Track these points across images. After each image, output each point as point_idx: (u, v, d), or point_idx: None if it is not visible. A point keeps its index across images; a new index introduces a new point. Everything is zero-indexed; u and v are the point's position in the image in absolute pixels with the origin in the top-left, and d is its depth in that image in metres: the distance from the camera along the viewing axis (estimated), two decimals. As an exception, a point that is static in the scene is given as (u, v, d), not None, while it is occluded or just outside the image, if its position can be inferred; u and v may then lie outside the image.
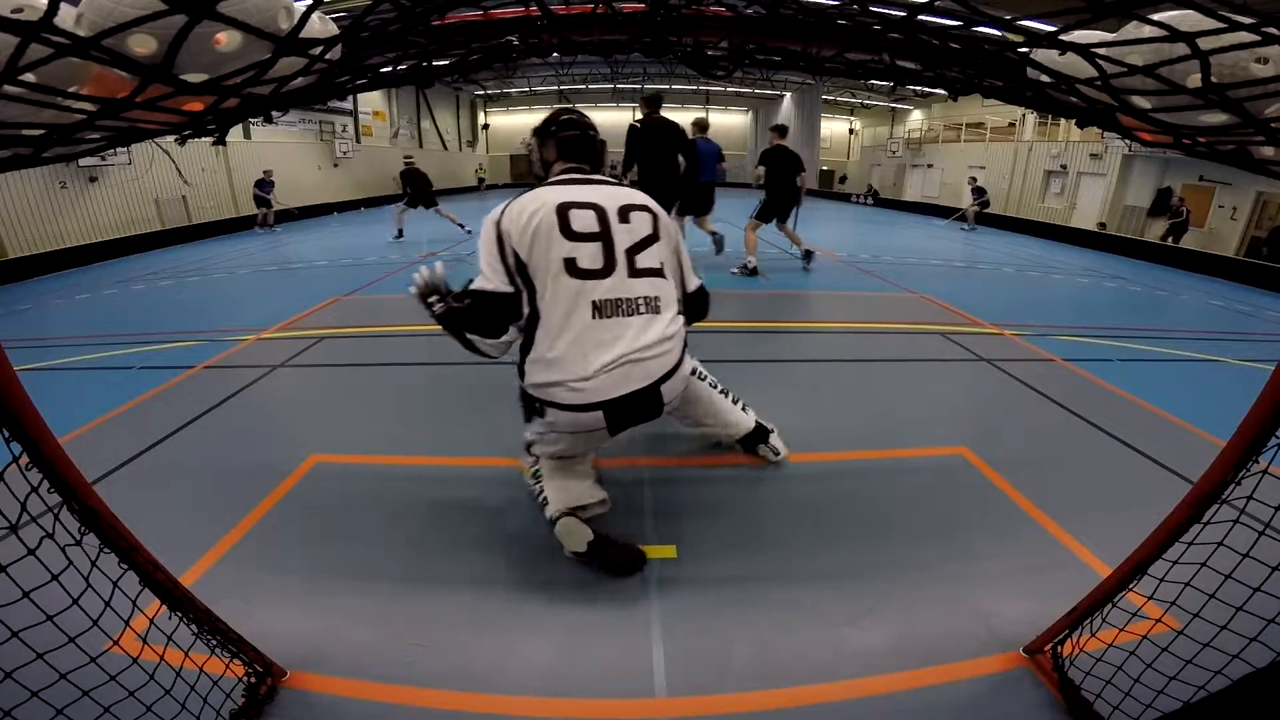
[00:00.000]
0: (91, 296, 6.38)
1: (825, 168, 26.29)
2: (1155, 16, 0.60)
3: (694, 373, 2.23)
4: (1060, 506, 2.16)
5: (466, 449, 2.60)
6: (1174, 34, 0.55)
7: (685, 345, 1.84)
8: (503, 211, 1.72)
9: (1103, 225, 13.34)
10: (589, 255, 1.67)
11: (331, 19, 0.89)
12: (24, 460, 0.90)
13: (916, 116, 23.69)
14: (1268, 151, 0.80)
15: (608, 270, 1.68)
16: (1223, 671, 1.09)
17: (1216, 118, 0.71)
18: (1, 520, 0.82)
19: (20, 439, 0.88)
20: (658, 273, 1.76)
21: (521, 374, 1.75)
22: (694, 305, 1.98)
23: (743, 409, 2.41)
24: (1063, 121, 14.61)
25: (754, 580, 1.78)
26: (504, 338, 1.77)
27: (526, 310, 1.70)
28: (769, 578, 1.79)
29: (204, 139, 1.04)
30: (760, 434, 2.41)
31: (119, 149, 8.15)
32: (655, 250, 1.77)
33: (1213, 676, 1.10)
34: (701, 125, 6.64)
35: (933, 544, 1.96)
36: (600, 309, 1.66)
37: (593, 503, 1.94)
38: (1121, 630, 1.28)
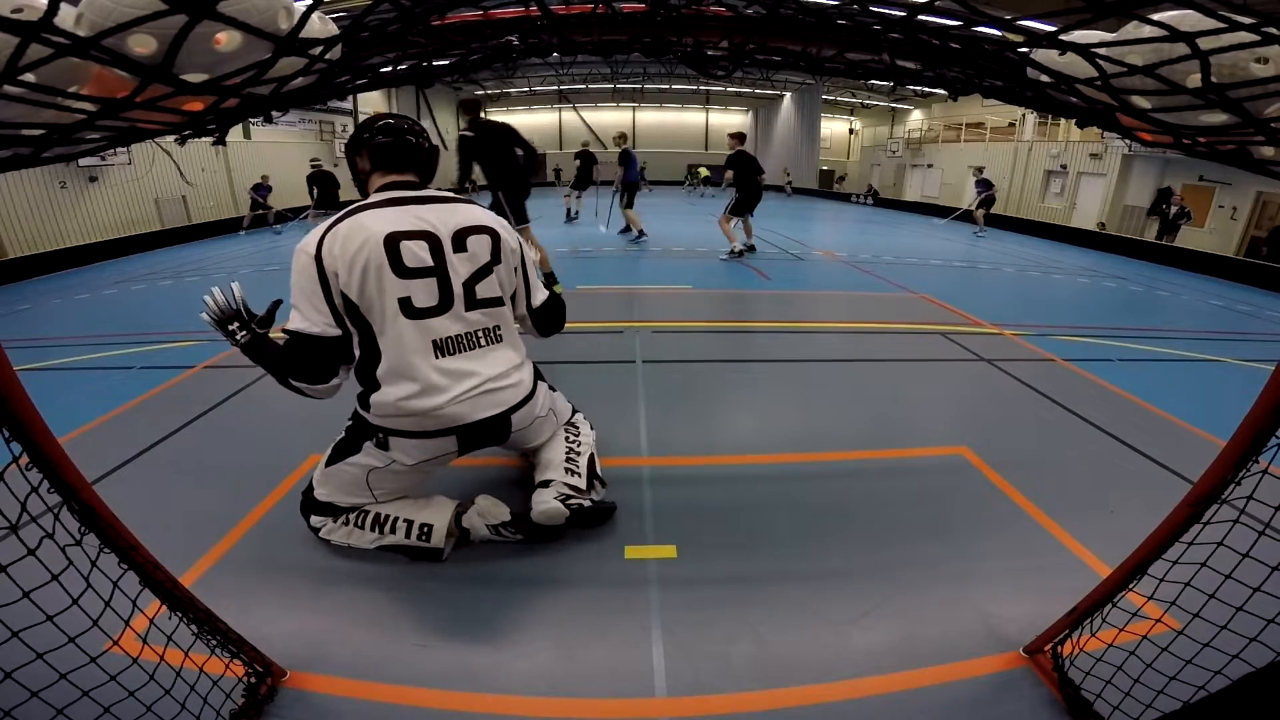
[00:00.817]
0: (91, 296, 6.38)
1: (825, 168, 26.29)
2: (1155, 16, 0.60)
3: (570, 427, 2.13)
4: (1060, 506, 2.16)
5: (466, 449, 2.60)
6: (1174, 34, 0.55)
7: (539, 380, 1.92)
8: (320, 243, 1.52)
9: (1103, 225, 13.34)
10: (424, 292, 1.56)
11: (331, 19, 0.89)
12: (24, 460, 0.90)
13: (916, 116, 23.69)
14: (1268, 151, 0.80)
15: (444, 306, 1.60)
16: (1223, 671, 1.09)
17: (1216, 118, 0.71)
18: (1, 520, 0.82)
19: (20, 439, 0.88)
20: (497, 301, 1.72)
21: (363, 407, 1.68)
22: (544, 317, 1.92)
23: (560, 488, 1.91)
24: (1063, 121, 14.62)
25: (754, 580, 1.78)
26: (333, 381, 1.62)
27: (359, 353, 1.60)
28: (769, 578, 1.79)
29: (204, 139, 1.04)
30: (518, 519, 1.87)
31: (119, 149, 8.15)
32: (494, 277, 1.70)
33: (1213, 676, 1.10)
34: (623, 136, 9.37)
35: (933, 544, 1.96)
36: (442, 348, 1.61)
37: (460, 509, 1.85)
38: (1121, 630, 1.28)
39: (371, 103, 19.37)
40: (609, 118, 28.97)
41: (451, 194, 1.75)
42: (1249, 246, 11.20)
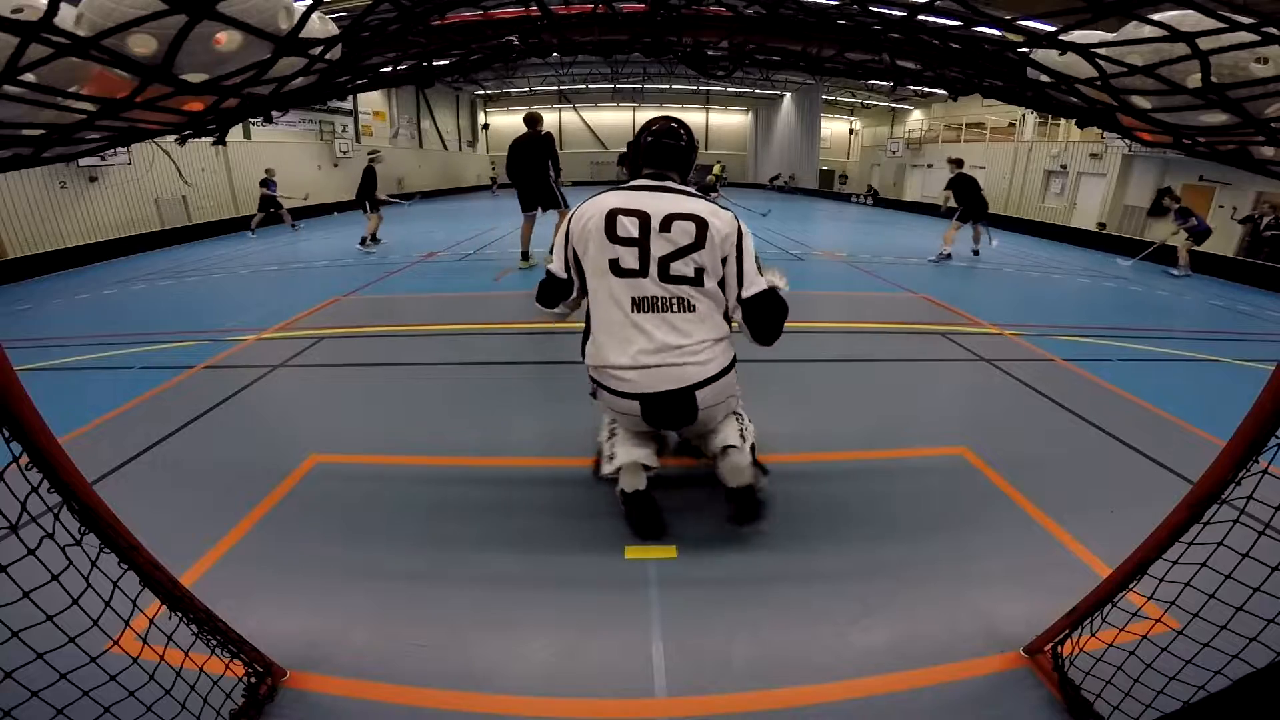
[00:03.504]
0: (91, 296, 6.38)
1: (825, 168, 26.29)
2: (1155, 16, 0.60)
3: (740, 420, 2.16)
4: (1060, 506, 2.16)
5: (467, 449, 2.60)
6: (1174, 34, 0.55)
7: (732, 366, 1.96)
8: (574, 213, 1.96)
9: (1103, 225, 13.34)
10: (628, 257, 1.86)
11: (331, 19, 0.89)
12: (24, 460, 0.90)
13: (916, 116, 23.69)
14: (1268, 151, 0.80)
15: (643, 272, 1.86)
16: (1222, 671, 1.09)
17: (1216, 118, 0.71)
18: (1, 520, 0.82)
19: (20, 439, 0.88)
20: (691, 280, 1.86)
21: (583, 355, 2.05)
22: (754, 311, 1.91)
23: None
24: (1063, 121, 14.62)
25: (754, 580, 1.78)
26: (557, 310, 2.12)
27: (575, 295, 2.03)
28: (769, 578, 1.79)
29: (204, 139, 1.04)
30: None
31: (119, 149, 8.15)
32: (694, 258, 1.84)
33: (1213, 676, 1.10)
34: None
35: (933, 544, 1.96)
36: (638, 304, 1.87)
37: (645, 462, 2.07)
38: (1121, 630, 1.28)
39: (371, 103, 19.39)
40: (609, 118, 28.99)
41: (688, 189, 1.97)
42: (1250, 247, 11.17)
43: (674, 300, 1.86)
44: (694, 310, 1.88)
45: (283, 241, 10.46)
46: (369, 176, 9.06)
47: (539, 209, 6.85)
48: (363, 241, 9.03)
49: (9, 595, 0.89)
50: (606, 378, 1.93)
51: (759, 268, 1.94)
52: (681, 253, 1.85)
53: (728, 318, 1.99)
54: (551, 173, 6.69)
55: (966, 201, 8.40)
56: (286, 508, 2.16)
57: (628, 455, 2.03)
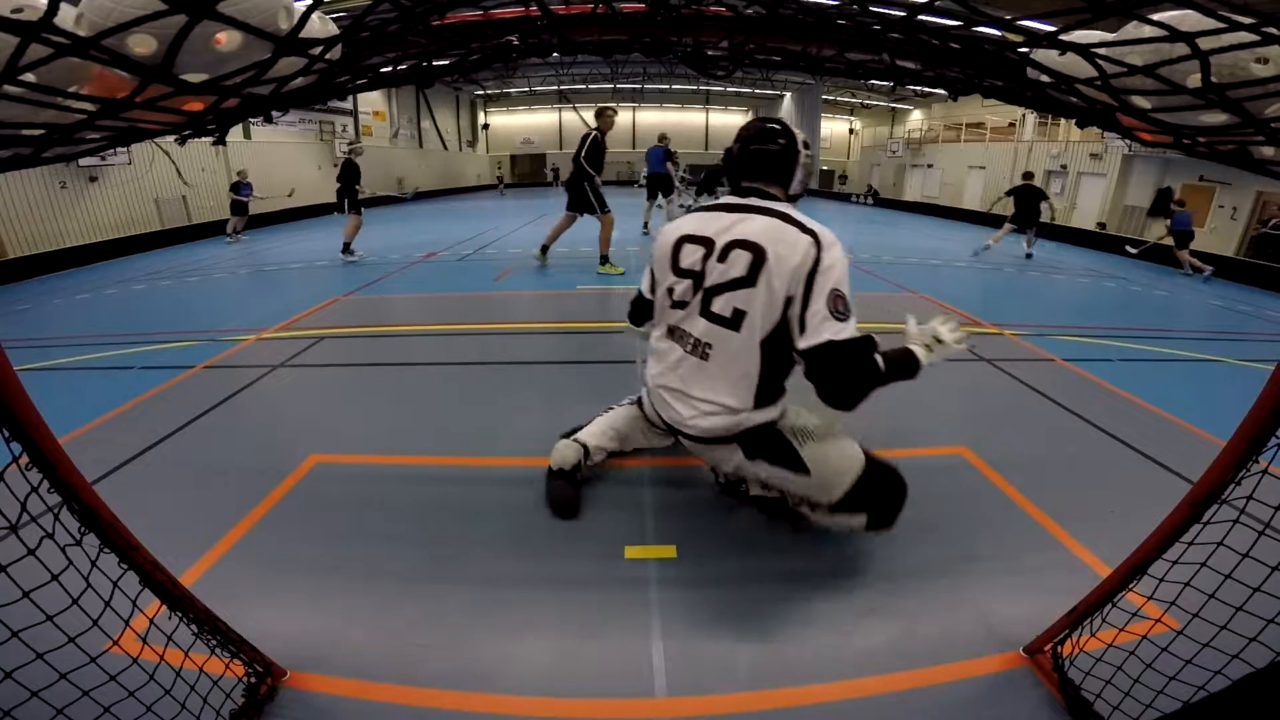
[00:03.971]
0: (91, 296, 6.38)
1: (825, 168, 26.30)
2: (1155, 16, 0.60)
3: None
4: (1060, 506, 2.16)
5: (467, 449, 2.60)
6: (1174, 34, 0.55)
7: (741, 439, 1.71)
8: (659, 231, 1.90)
9: (1103, 225, 13.35)
10: (683, 289, 1.73)
11: (331, 19, 0.89)
12: (24, 460, 0.90)
13: (916, 116, 23.70)
14: (1268, 151, 0.80)
15: (687, 303, 1.73)
16: (1223, 671, 1.09)
17: (1216, 118, 0.71)
18: (1, 520, 0.82)
19: (20, 439, 0.88)
20: (726, 321, 1.61)
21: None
22: (818, 366, 1.53)
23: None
24: (1063, 121, 14.61)
25: (754, 580, 1.78)
26: (642, 328, 2.03)
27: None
28: (769, 578, 1.79)
29: (204, 139, 1.04)
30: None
31: (119, 149, 8.15)
32: (739, 296, 1.58)
33: (1213, 676, 1.10)
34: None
35: (933, 544, 1.96)
36: (673, 332, 1.80)
37: (601, 445, 2.16)
38: (1121, 630, 1.28)
39: (371, 103, 19.39)
40: (609, 118, 28.93)
41: (774, 208, 1.64)
42: (1250, 245, 11.18)
43: (692, 339, 1.71)
44: (708, 351, 1.66)
45: (284, 241, 10.46)
46: (349, 171, 7.99)
47: (578, 211, 6.65)
48: (345, 249, 8.00)
49: (9, 595, 0.89)
50: (651, 381, 1.93)
51: (829, 310, 1.51)
52: (726, 288, 1.60)
53: (775, 375, 1.66)
54: (586, 174, 6.40)
55: (1025, 209, 8.90)
56: (286, 508, 2.16)
57: (588, 436, 2.15)
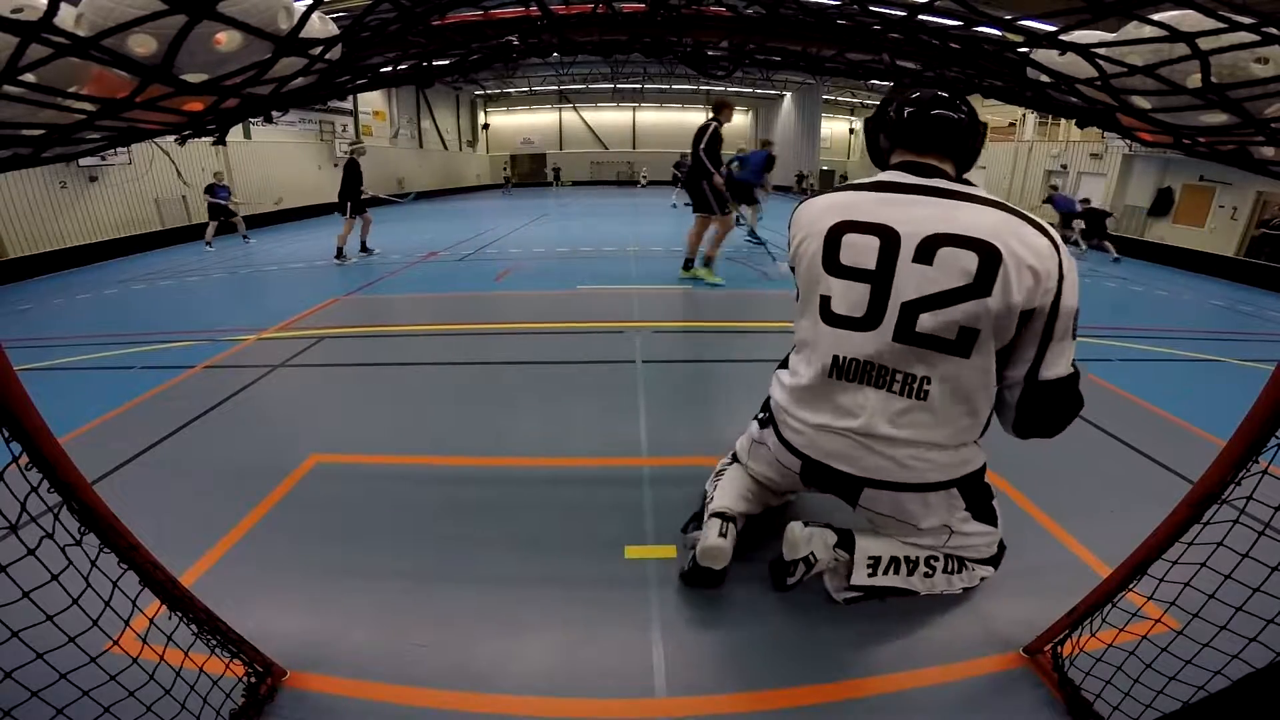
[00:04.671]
0: (91, 296, 6.38)
1: (825, 167, 26.28)
2: (1155, 16, 0.60)
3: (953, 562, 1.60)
4: (1060, 506, 2.16)
5: (467, 449, 2.60)
6: (1174, 34, 0.55)
7: (962, 484, 1.44)
8: (800, 205, 1.46)
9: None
10: (851, 299, 1.31)
11: (331, 19, 0.89)
12: (24, 460, 0.90)
13: (916, 116, 23.66)
14: (1268, 151, 0.80)
15: (870, 322, 1.30)
16: (1222, 671, 1.09)
17: (1216, 118, 0.71)
18: (1, 520, 0.82)
19: (20, 439, 0.88)
20: (949, 345, 1.26)
21: (778, 377, 1.63)
22: (1041, 400, 1.31)
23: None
24: (1063, 121, 14.61)
25: (754, 580, 1.78)
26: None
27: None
28: (769, 577, 1.79)
29: (204, 139, 1.04)
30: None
31: (119, 149, 8.14)
32: (966, 311, 1.23)
33: (1212, 676, 1.10)
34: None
35: (933, 544, 1.96)
36: (843, 369, 1.34)
37: (738, 512, 1.71)
38: (1121, 630, 1.28)
39: (371, 103, 19.39)
40: (609, 118, 28.99)
41: (973, 191, 1.30)
42: (1251, 245, 11.17)
43: (900, 378, 1.30)
44: (925, 399, 1.30)
45: (283, 242, 10.46)
46: (352, 171, 7.74)
47: (707, 212, 5.80)
48: (338, 254, 7.83)
49: (9, 595, 0.89)
50: (780, 417, 1.54)
51: (1073, 332, 1.27)
52: (945, 300, 1.23)
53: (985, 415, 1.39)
54: (706, 170, 5.54)
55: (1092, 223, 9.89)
56: (286, 508, 2.16)
57: (711, 520, 1.67)
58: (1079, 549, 1.93)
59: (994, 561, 1.67)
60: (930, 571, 1.56)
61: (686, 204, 7.45)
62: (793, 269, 1.49)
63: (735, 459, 1.90)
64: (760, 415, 1.74)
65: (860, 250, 1.30)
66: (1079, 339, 1.31)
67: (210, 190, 9.76)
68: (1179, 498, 1.12)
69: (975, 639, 1.56)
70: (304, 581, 1.79)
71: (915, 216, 1.27)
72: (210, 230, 9.94)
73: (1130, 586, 1.22)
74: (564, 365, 3.68)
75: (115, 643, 1.07)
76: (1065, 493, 2.27)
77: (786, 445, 1.54)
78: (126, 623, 1.09)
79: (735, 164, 8.30)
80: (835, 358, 1.35)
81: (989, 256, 1.20)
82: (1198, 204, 11.92)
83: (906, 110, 1.34)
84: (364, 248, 8.18)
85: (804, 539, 1.54)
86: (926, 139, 1.33)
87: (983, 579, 1.65)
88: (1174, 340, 4.76)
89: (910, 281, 1.26)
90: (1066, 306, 1.24)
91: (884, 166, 1.42)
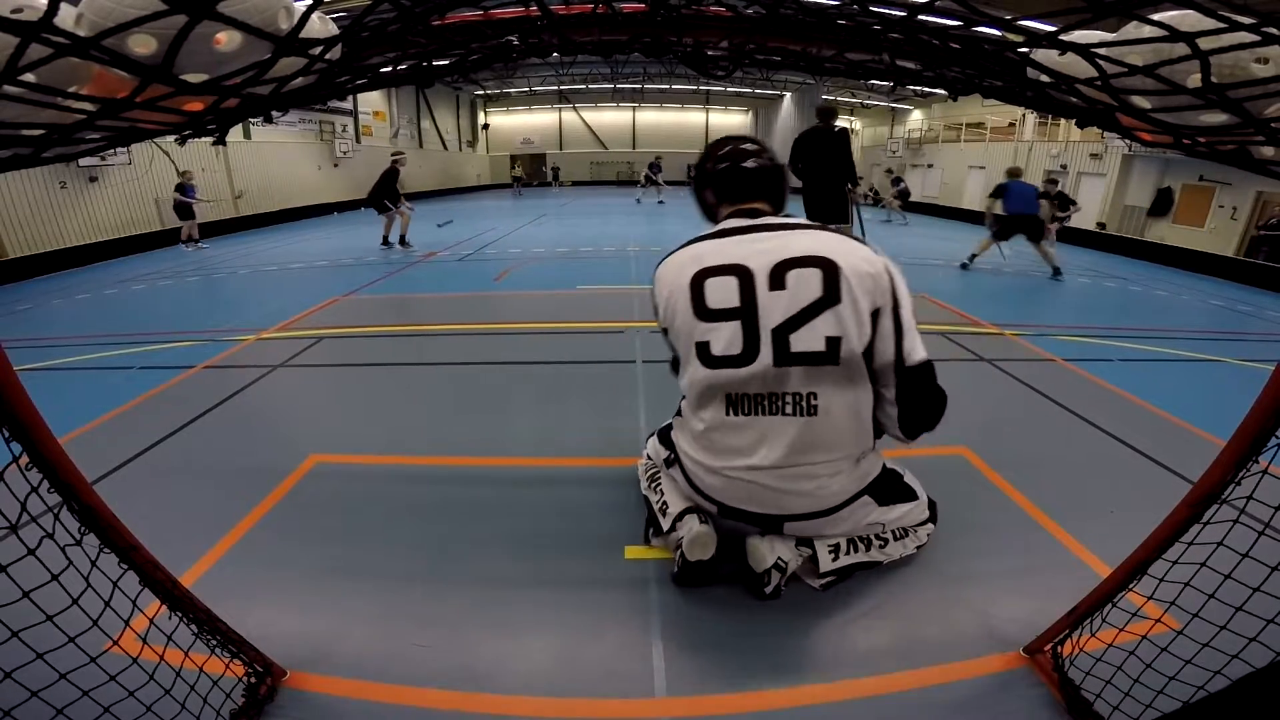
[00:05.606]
0: (91, 296, 6.38)
1: (825, 168, 26.22)
2: (1155, 16, 0.60)
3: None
4: (1060, 506, 2.16)
5: (467, 448, 2.60)
6: (1174, 34, 0.55)
7: (871, 489, 1.54)
8: (659, 268, 1.56)
9: (1102, 225, 13.33)
10: (725, 339, 1.40)
11: (331, 19, 0.89)
12: (24, 460, 0.90)
13: (916, 116, 23.67)
14: (1268, 151, 0.80)
15: (749, 356, 1.38)
16: (1222, 671, 1.09)
17: (1216, 118, 0.71)
18: (1, 520, 0.82)
19: (20, 439, 0.88)
20: (820, 357, 1.36)
21: (677, 411, 1.70)
22: (913, 388, 1.43)
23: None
24: (1063, 121, 14.61)
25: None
26: (681, 380, 1.61)
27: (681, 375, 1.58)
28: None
29: (204, 139, 1.04)
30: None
31: (119, 149, 8.14)
32: (824, 321, 1.35)
33: (1212, 676, 1.10)
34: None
35: (933, 543, 1.96)
36: (736, 404, 1.42)
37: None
38: (1121, 630, 1.28)
39: (371, 103, 19.39)
40: (609, 118, 28.99)
41: (801, 221, 1.49)
42: (1249, 246, 11.18)
43: (789, 399, 1.38)
44: (814, 404, 1.38)
45: (283, 242, 10.46)
46: (392, 178, 8.84)
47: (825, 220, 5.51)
48: (401, 240, 9.00)
49: (9, 595, 0.88)
50: (687, 462, 1.61)
51: (914, 324, 1.44)
52: (806, 316, 1.35)
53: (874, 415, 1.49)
54: (853, 177, 5.32)
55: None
56: (286, 508, 2.16)
57: (680, 500, 1.74)
58: (1079, 549, 1.93)
59: (932, 519, 1.81)
60: (884, 543, 1.69)
61: (660, 202, 6.93)
62: (665, 331, 1.57)
63: (664, 462, 1.91)
64: (667, 455, 1.78)
65: (722, 291, 1.40)
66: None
67: (180, 189, 9.66)
68: (1179, 498, 1.12)
69: (975, 639, 1.56)
70: (304, 581, 1.79)
71: (760, 250, 1.41)
72: (185, 230, 9.81)
73: (1130, 586, 1.22)
74: (564, 365, 3.68)
75: (115, 643, 1.07)
76: (1065, 493, 2.27)
77: (699, 492, 1.62)
78: (126, 623, 1.09)
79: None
80: (728, 396, 1.43)
81: (830, 269, 1.35)
82: (1197, 204, 11.92)
83: (721, 166, 1.56)
84: (402, 240, 9.08)
85: (767, 548, 1.60)
86: (746, 190, 1.54)
87: (929, 535, 1.81)
88: (1174, 340, 4.76)
89: (773, 308, 1.37)
90: (904, 299, 1.40)
91: (715, 219, 1.60)
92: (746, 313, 1.38)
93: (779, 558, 1.58)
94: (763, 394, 1.40)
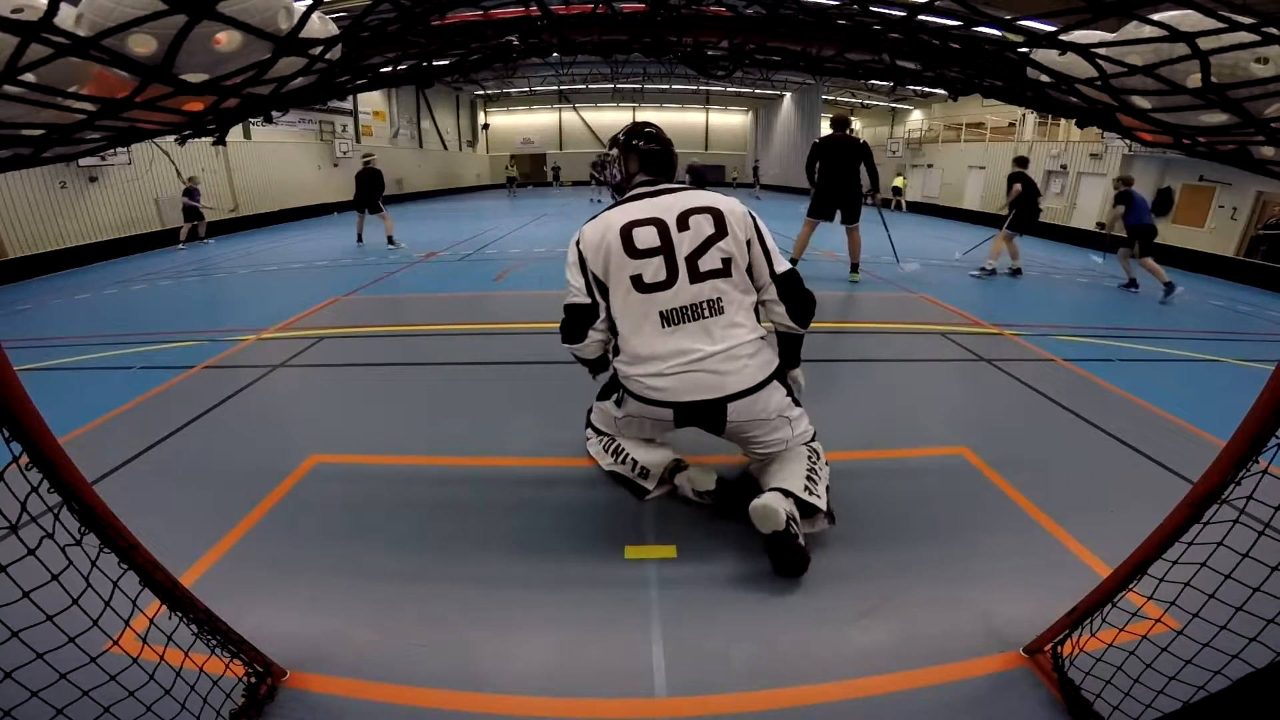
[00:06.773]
0: (91, 296, 6.38)
1: (825, 168, 26.23)
2: (1155, 16, 0.60)
3: (813, 450, 2.03)
4: (1060, 506, 2.16)
5: (466, 449, 2.60)
6: (1174, 34, 0.55)
7: (776, 382, 1.93)
8: (580, 236, 1.95)
9: (1102, 225, 13.31)
10: (653, 270, 1.84)
11: (331, 19, 0.89)
12: (24, 460, 0.90)
13: (916, 116, 23.68)
14: (1268, 151, 0.80)
15: (671, 280, 1.84)
16: (1222, 671, 1.09)
17: (1216, 118, 0.71)
18: (1, 520, 0.82)
19: (20, 439, 0.88)
20: (720, 273, 1.85)
21: (607, 366, 2.10)
22: (788, 287, 1.93)
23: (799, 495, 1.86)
24: (1063, 121, 14.62)
25: (754, 580, 1.78)
26: (584, 342, 1.98)
27: (603, 315, 1.95)
28: (769, 578, 1.79)
29: (204, 139, 1.04)
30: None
31: (119, 149, 8.14)
32: (718, 249, 1.85)
33: (1212, 676, 1.10)
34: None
35: (933, 544, 1.96)
36: (667, 318, 1.85)
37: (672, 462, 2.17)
38: (1121, 630, 1.28)
39: (372, 103, 19.38)
40: (609, 118, 28.97)
41: (684, 184, 2.00)
42: (1249, 245, 11.17)
43: (705, 305, 1.84)
44: (723, 311, 1.86)
45: (283, 242, 10.46)
46: (377, 179, 9.27)
47: (836, 218, 6.24)
48: (389, 240, 9.30)
49: (9, 595, 0.89)
50: (636, 385, 1.91)
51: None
52: (706, 245, 1.84)
53: (758, 315, 1.97)
54: (866, 184, 6.01)
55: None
56: (286, 508, 2.16)
57: (659, 459, 2.14)
58: (1079, 549, 1.93)
59: (815, 435, 2.12)
60: (813, 475, 1.94)
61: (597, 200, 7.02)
62: (597, 279, 1.91)
63: (611, 436, 2.24)
64: (614, 396, 2.10)
65: (646, 236, 1.86)
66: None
67: (187, 193, 10.35)
68: (1179, 498, 1.12)
69: (975, 639, 1.56)
70: (304, 581, 1.79)
71: (667, 205, 1.90)
72: (185, 230, 10.41)
73: (1130, 586, 1.22)
74: (564, 365, 3.67)
75: (115, 643, 1.07)
76: (1065, 493, 2.27)
77: (653, 403, 1.91)
78: (126, 623, 1.09)
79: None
80: (661, 313, 1.85)
81: (717, 214, 1.88)
82: (1197, 204, 11.91)
83: (641, 145, 2.02)
84: (390, 240, 9.37)
85: (774, 502, 1.77)
86: (652, 166, 2.02)
87: (826, 464, 2.04)
88: (1174, 340, 4.76)
89: (683, 243, 1.85)
90: (765, 231, 1.93)
91: (622, 188, 2.06)
92: (666, 249, 1.85)
93: (784, 510, 1.76)
94: (686, 305, 1.84)
